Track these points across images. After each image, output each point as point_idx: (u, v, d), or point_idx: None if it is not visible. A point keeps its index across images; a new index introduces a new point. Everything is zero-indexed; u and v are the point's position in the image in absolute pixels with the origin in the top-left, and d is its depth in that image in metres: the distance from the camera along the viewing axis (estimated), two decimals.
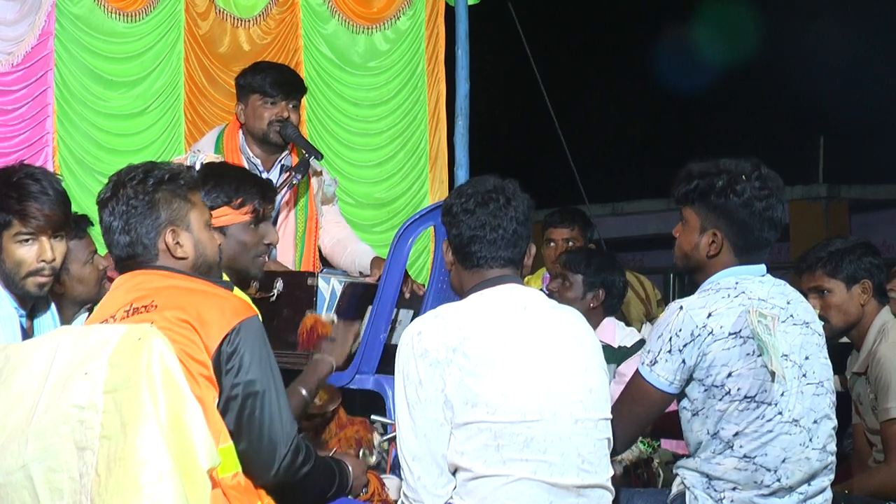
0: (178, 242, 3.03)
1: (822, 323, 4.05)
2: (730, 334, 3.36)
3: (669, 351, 3.38)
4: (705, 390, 3.40)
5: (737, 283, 3.46)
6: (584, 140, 11.26)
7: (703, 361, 3.38)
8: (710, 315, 3.38)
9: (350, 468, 3.14)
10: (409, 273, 4.42)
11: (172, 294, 2.93)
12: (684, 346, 3.37)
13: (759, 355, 3.33)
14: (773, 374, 3.32)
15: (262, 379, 2.88)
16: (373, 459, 3.37)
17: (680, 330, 3.38)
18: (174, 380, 2.64)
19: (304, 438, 2.99)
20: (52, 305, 3.61)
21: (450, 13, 7.68)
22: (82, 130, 6.64)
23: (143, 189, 3.03)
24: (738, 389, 3.36)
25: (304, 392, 3.48)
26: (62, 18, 6.57)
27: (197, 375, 2.81)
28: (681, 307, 3.43)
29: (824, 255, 4.13)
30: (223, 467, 2.80)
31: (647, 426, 3.57)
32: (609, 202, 15.99)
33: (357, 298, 4.31)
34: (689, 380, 3.42)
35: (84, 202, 6.53)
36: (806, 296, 4.09)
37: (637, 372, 3.46)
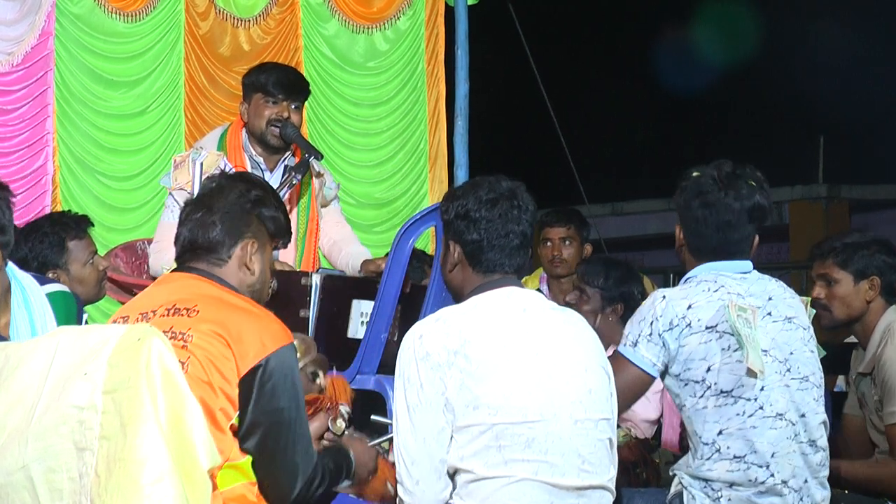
0: (252, 257, 3.08)
1: (825, 312, 4.09)
2: (707, 328, 3.39)
3: (650, 335, 3.42)
4: (685, 385, 3.43)
5: (716, 278, 3.49)
6: (584, 140, 11.26)
7: (679, 354, 3.41)
8: (689, 307, 3.42)
9: (353, 457, 3.15)
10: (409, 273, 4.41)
11: (217, 305, 2.95)
12: (664, 331, 3.41)
13: (737, 350, 3.35)
14: (749, 370, 3.34)
15: (289, 409, 2.90)
16: (340, 424, 3.35)
17: (661, 316, 3.42)
18: (174, 380, 2.63)
19: None
20: (31, 299, 3.59)
21: (449, 13, 7.69)
22: (82, 130, 6.64)
23: (248, 199, 3.12)
24: (716, 384, 3.39)
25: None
26: (62, 18, 6.58)
27: (217, 388, 2.83)
28: (663, 296, 3.47)
29: (838, 246, 4.14)
30: (226, 480, 2.82)
31: (627, 408, 3.60)
32: (609, 202, 15.98)
33: (337, 291, 4.29)
34: (666, 373, 3.45)
35: (84, 202, 6.55)
36: (814, 282, 4.12)
37: (617, 353, 3.49)
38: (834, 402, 4.50)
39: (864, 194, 15.15)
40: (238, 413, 2.86)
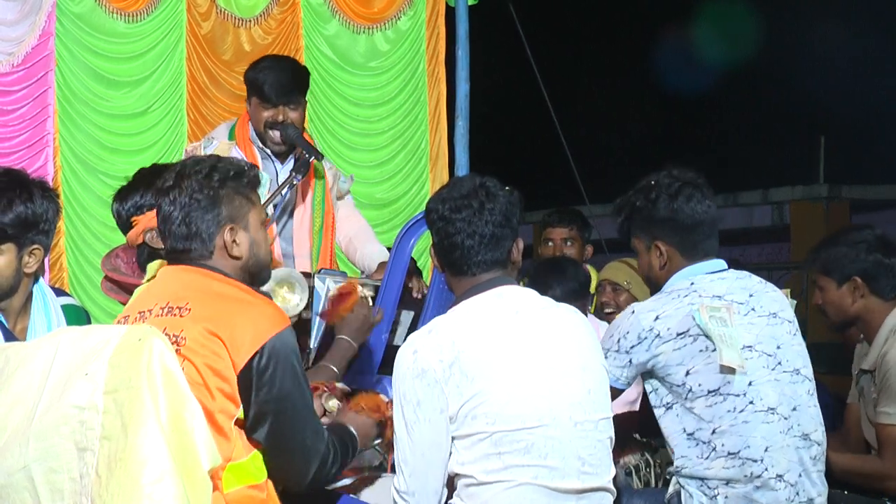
0: (235, 241, 3.02)
1: (825, 316, 4.14)
2: (678, 335, 3.45)
3: (617, 350, 3.51)
4: (670, 390, 3.50)
5: (692, 283, 3.55)
6: (585, 140, 11.26)
7: (657, 362, 3.48)
8: (657, 318, 3.48)
9: (356, 431, 3.18)
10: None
11: (209, 300, 2.92)
12: (631, 347, 3.49)
13: (714, 350, 3.38)
14: (724, 367, 3.38)
15: (293, 393, 2.88)
16: (333, 404, 3.38)
17: (627, 333, 3.50)
18: (175, 380, 2.64)
19: None
20: (51, 307, 3.60)
21: (450, 13, 7.69)
22: (84, 130, 6.65)
23: (209, 184, 3.02)
24: (700, 385, 3.43)
25: (333, 368, 3.56)
26: (63, 18, 6.59)
27: (214, 389, 2.82)
28: (633, 311, 3.54)
29: (820, 252, 4.17)
30: (230, 481, 2.82)
31: None
32: (609, 202, 15.96)
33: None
34: (650, 376, 3.51)
35: (86, 202, 6.55)
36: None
37: None
38: (837, 401, 4.51)
39: (865, 194, 15.14)
40: (241, 407, 2.85)
